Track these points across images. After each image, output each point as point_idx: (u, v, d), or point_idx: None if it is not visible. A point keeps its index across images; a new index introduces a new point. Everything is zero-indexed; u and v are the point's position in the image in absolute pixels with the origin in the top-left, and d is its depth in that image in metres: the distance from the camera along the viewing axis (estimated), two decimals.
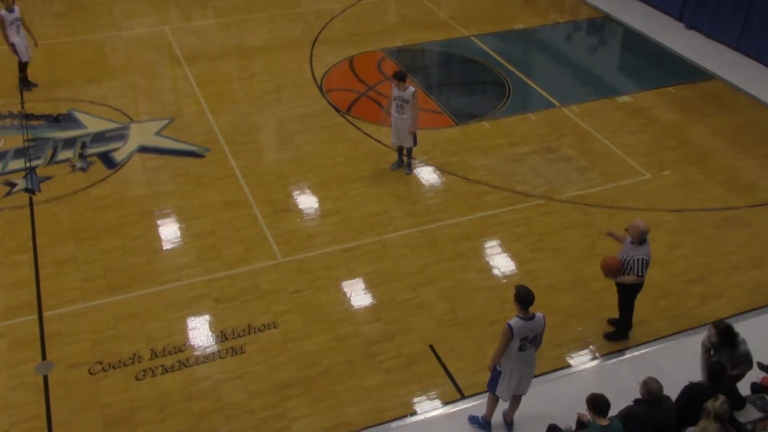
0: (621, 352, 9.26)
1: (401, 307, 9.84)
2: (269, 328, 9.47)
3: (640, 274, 8.60)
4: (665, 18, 18.52)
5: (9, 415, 8.30)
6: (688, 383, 7.59)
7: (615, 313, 9.42)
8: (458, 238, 11.06)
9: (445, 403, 8.57)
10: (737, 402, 7.58)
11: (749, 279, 10.44)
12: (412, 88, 11.52)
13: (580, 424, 7.37)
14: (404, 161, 12.43)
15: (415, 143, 12.07)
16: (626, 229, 8.75)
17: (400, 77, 11.44)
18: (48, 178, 12.21)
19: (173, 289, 10.08)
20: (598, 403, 6.78)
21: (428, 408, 8.50)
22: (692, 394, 7.29)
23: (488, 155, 13.02)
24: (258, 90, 15.06)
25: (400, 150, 12.36)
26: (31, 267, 10.41)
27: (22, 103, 14.34)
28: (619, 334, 9.39)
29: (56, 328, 9.43)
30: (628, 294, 9.01)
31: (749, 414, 7.71)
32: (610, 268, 8.71)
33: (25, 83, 14.78)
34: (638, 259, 8.54)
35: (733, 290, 10.24)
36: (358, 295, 10.06)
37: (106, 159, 12.73)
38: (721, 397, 6.82)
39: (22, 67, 14.64)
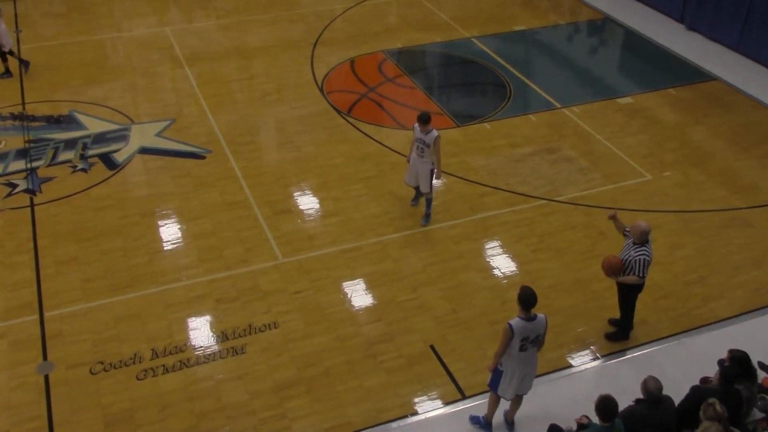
0: (622, 352, 9.25)
1: (402, 308, 9.84)
2: (270, 329, 9.48)
3: (641, 274, 8.60)
4: (666, 19, 18.54)
5: (10, 415, 8.30)
6: (696, 384, 7.58)
7: (616, 313, 9.42)
8: (459, 239, 11.06)
9: (446, 403, 8.56)
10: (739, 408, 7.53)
11: (750, 279, 10.44)
12: (435, 132, 10.61)
13: (581, 425, 7.36)
14: (420, 204, 11.60)
15: (430, 189, 11.08)
16: (627, 231, 8.77)
17: (424, 120, 10.54)
18: (49, 179, 12.22)
19: (174, 289, 10.08)
20: (605, 407, 6.74)
21: (429, 408, 8.50)
22: (701, 397, 7.24)
23: (489, 156, 13.03)
24: (258, 91, 15.08)
25: (417, 188, 11.42)
26: (32, 267, 10.41)
27: (23, 105, 14.36)
28: (620, 335, 9.39)
29: (57, 329, 9.44)
30: (629, 294, 9.00)
31: (750, 414, 7.70)
32: (611, 267, 8.70)
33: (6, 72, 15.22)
34: (639, 260, 8.54)
35: (734, 291, 10.24)
36: (358, 295, 10.06)
37: (107, 160, 12.74)
38: (712, 401, 6.79)
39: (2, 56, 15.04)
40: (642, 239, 8.56)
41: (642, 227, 8.55)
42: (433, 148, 10.70)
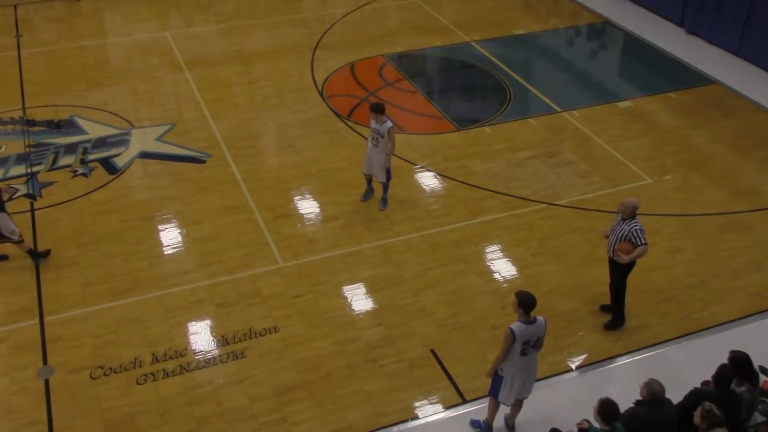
0: (622, 356, 9.25)
1: (402, 312, 9.84)
2: (270, 333, 9.47)
3: (644, 242, 8.79)
4: (666, 23, 18.55)
5: (10, 420, 8.30)
6: (693, 389, 7.58)
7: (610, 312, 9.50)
8: (459, 243, 11.06)
9: (447, 408, 8.56)
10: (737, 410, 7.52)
11: (750, 283, 10.44)
12: (389, 123, 10.87)
13: (582, 429, 7.34)
14: (373, 193, 11.92)
15: (389, 177, 11.38)
16: (618, 211, 9.02)
17: (376, 109, 10.84)
18: (49, 183, 12.23)
19: (174, 293, 10.08)
20: (606, 411, 6.73)
21: (429, 412, 8.50)
22: (697, 399, 7.25)
23: (489, 160, 13.04)
24: (259, 95, 15.09)
25: (369, 179, 11.79)
26: (33, 272, 10.41)
27: (24, 109, 14.37)
28: (617, 320, 9.53)
29: (57, 333, 9.43)
30: (624, 274, 9.20)
31: (752, 418, 7.69)
32: (625, 250, 8.88)
33: None
34: (637, 230, 8.79)
35: (734, 294, 10.24)
36: (359, 299, 10.06)
37: (108, 164, 12.75)
38: (706, 405, 6.79)
39: None
40: (632, 214, 8.84)
41: (633, 202, 8.89)
42: (387, 138, 10.95)
